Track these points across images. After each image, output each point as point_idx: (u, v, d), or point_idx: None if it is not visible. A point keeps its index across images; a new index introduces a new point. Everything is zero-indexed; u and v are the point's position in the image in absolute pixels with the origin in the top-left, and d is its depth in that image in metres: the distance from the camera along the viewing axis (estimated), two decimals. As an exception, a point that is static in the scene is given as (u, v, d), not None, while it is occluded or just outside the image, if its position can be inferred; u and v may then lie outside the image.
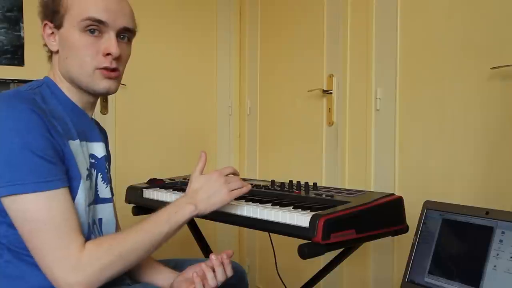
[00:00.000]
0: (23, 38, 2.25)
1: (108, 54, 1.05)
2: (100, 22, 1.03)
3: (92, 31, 1.04)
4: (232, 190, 1.15)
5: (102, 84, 1.07)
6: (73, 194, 1.00)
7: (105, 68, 1.06)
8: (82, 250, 0.95)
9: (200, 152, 1.21)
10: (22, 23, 2.25)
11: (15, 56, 2.25)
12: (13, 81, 2.23)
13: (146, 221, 1.06)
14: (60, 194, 0.95)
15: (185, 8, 2.68)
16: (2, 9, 2.22)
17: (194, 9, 2.71)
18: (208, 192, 1.12)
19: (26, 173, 0.92)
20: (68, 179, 0.99)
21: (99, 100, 2.38)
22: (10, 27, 2.24)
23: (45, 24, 1.08)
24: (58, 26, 1.06)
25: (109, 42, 1.04)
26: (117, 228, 1.21)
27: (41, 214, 0.93)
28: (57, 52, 1.08)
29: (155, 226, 1.05)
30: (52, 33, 1.07)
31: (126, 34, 1.09)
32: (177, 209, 1.08)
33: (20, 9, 2.24)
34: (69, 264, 0.93)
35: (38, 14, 1.10)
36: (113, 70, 1.07)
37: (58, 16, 1.05)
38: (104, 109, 2.45)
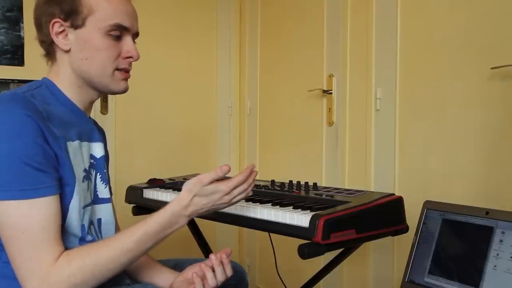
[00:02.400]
0: (23, 38, 2.25)
1: (128, 57, 1.10)
2: (124, 28, 1.08)
3: (115, 35, 1.07)
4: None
5: (121, 85, 1.12)
6: (67, 198, 1.00)
7: (123, 70, 1.10)
8: (54, 264, 0.93)
9: (225, 165, 1.04)
10: (22, 23, 2.25)
11: (15, 56, 2.25)
12: (13, 81, 2.23)
13: (129, 237, 0.99)
14: (44, 202, 0.94)
15: (185, 8, 2.68)
16: (2, 9, 2.22)
17: (194, 9, 2.71)
18: (207, 207, 1.06)
19: (10, 179, 0.91)
20: (62, 183, 0.98)
21: (99, 100, 2.41)
22: (10, 27, 2.24)
23: (56, 22, 1.05)
24: (77, 26, 1.05)
25: (130, 45, 1.10)
26: (117, 228, 1.21)
27: (20, 222, 0.92)
28: (68, 51, 1.07)
29: (139, 244, 1.00)
30: (63, 31, 1.05)
31: (136, 37, 1.14)
32: (169, 225, 1.03)
33: (20, 9, 2.24)
34: (39, 277, 0.92)
35: (43, 12, 1.06)
36: (129, 71, 1.13)
37: (78, 16, 1.04)
38: (104, 109, 2.45)
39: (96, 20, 1.04)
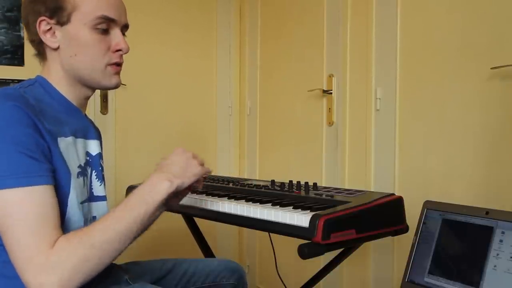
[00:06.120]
0: (23, 38, 2.25)
1: (118, 50, 1.08)
2: (111, 20, 1.06)
3: (102, 29, 1.06)
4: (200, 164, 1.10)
5: (113, 79, 1.10)
6: (65, 193, 0.99)
7: (115, 64, 1.09)
8: (53, 247, 0.91)
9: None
10: (22, 23, 2.25)
11: (15, 56, 2.25)
12: (13, 81, 2.23)
13: (117, 206, 0.99)
14: (39, 191, 0.92)
15: (185, 8, 2.68)
16: (2, 9, 2.22)
17: (194, 9, 2.71)
18: (181, 164, 1.07)
19: (5, 167, 0.91)
20: (57, 178, 0.98)
21: (99, 100, 2.41)
22: (10, 27, 2.24)
23: (42, 20, 1.05)
24: (63, 22, 1.04)
25: (119, 38, 1.08)
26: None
27: (16, 210, 0.91)
28: (57, 49, 1.07)
29: (127, 210, 0.98)
30: (50, 29, 1.05)
31: (125, 29, 1.12)
32: (151, 188, 1.01)
33: (20, 9, 2.22)
34: (39, 263, 0.89)
35: (29, 11, 1.07)
36: (120, 64, 1.11)
37: (63, 12, 1.04)
38: (104, 109, 2.45)
39: (81, 15, 1.04)
